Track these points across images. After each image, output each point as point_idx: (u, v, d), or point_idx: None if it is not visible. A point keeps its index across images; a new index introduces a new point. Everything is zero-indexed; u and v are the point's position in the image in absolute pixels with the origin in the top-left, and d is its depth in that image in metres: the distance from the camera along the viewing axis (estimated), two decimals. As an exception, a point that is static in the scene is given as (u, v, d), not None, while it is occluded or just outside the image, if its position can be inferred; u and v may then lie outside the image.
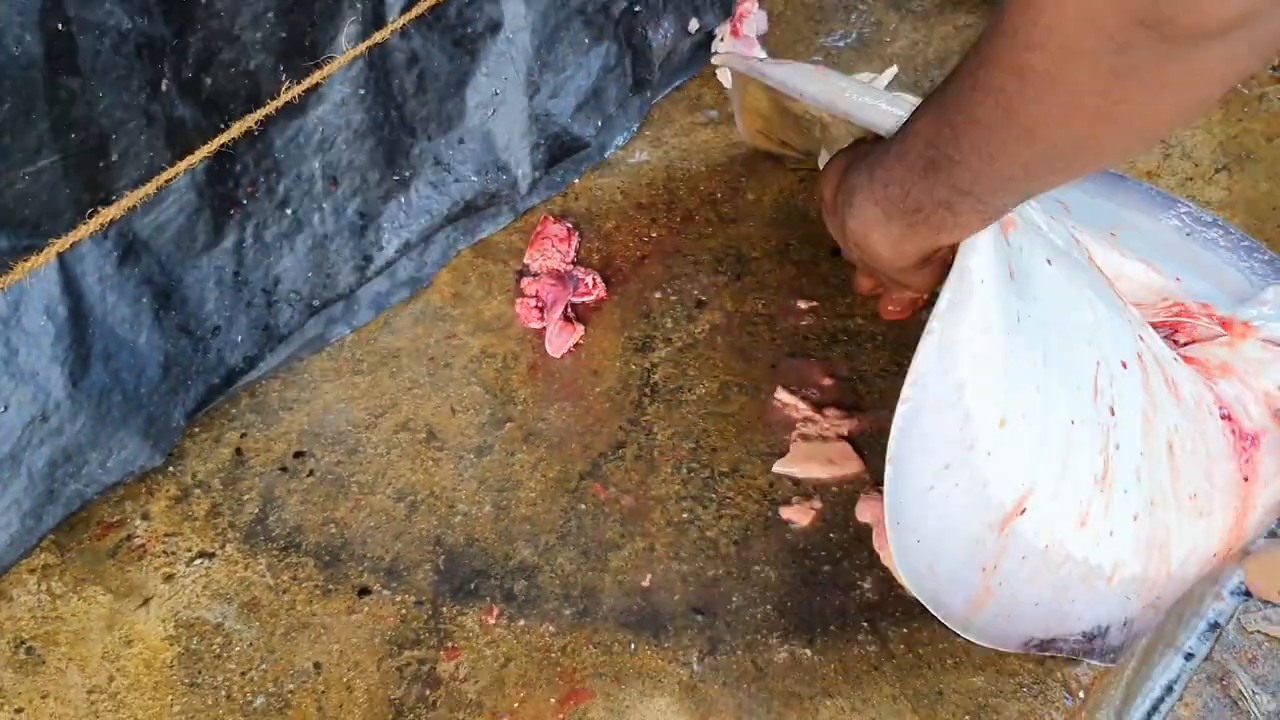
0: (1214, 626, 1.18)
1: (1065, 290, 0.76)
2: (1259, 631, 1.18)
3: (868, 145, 0.73)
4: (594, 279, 1.05)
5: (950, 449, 0.69)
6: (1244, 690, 1.13)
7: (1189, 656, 1.16)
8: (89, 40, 0.72)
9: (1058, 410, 0.73)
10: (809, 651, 0.82)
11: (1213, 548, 0.87)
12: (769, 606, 0.84)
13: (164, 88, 0.79)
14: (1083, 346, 0.76)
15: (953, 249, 0.68)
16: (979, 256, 0.67)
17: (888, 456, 0.67)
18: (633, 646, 0.83)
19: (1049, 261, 0.75)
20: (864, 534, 0.87)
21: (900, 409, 0.67)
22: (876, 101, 0.78)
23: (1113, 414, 0.76)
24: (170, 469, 0.95)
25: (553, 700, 0.80)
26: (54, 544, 0.91)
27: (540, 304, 1.04)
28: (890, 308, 0.81)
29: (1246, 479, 0.85)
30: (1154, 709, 1.12)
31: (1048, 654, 0.79)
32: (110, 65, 0.74)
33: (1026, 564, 0.75)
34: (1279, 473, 0.87)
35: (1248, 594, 1.21)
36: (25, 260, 0.77)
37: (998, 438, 0.70)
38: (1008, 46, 0.52)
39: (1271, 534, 1.26)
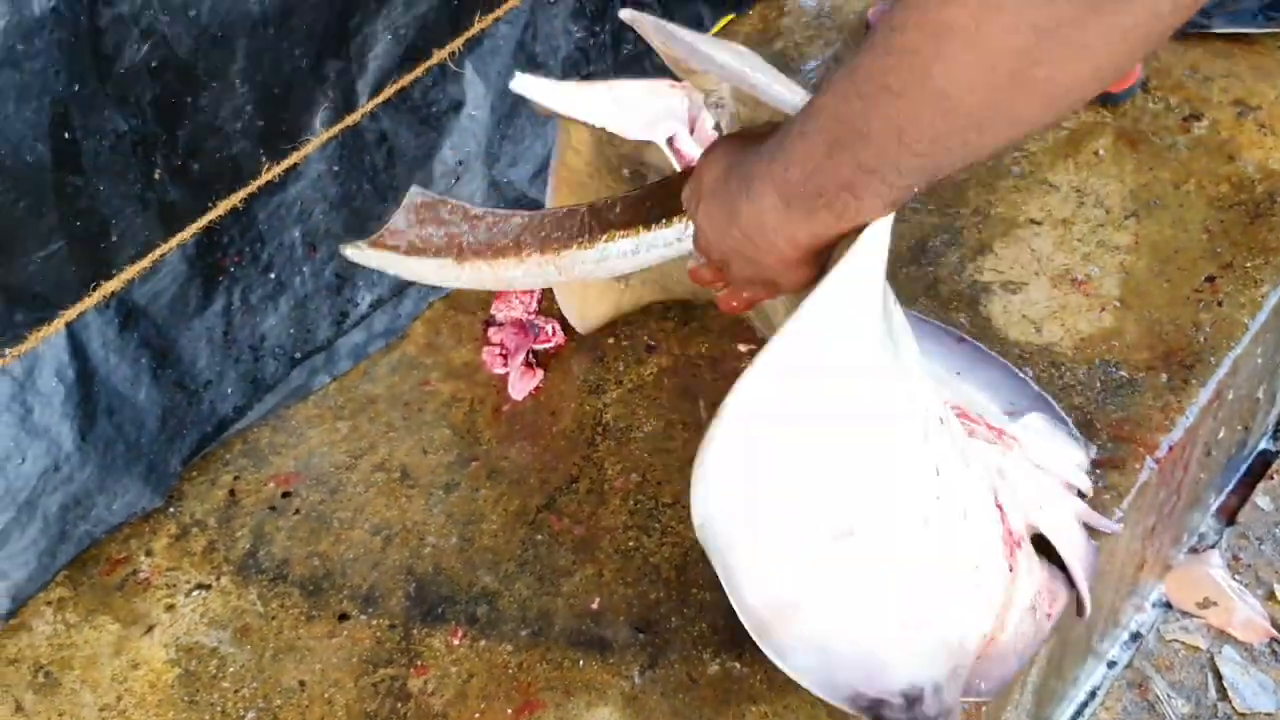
0: (1135, 636, 1.28)
1: (903, 330, 0.77)
2: (1176, 640, 1.28)
3: (760, 131, 0.70)
4: (554, 327, 1.16)
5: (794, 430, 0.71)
6: (1160, 695, 1.22)
7: (1111, 664, 1.26)
8: (91, 143, 0.83)
9: (897, 442, 0.74)
10: (739, 664, 0.91)
11: (984, 628, 0.83)
12: (704, 625, 0.94)
13: (157, 176, 0.90)
14: (919, 385, 0.77)
15: (837, 246, 0.66)
16: (883, 238, 0.65)
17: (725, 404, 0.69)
18: (581, 663, 0.93)
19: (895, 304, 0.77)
20: (791, 557, 0.97)
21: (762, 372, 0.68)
22: (784, 86, 0.78)
23: (938, 474, 0.77)
24: (171, 510, 1.06)
25: (509, 711, 0.90)
26: (68, 579, 1.01)
27: (504, 351, 1.15)
28: (733, 302, 0.76)
29: (1012, 570, 0.85)
30: (1078, 713, 1.22)
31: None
32: (110, 162, 0.85)
33: (849, 586, 0.76)
34: (1030, 580, 0.87)
35: (1168, 605, 1.30)
36: (38, 330, 0.88)
37: (843, 450, 0.72)
38: (927, 5, 0.51)
39: (1191, 550, 1.35)
